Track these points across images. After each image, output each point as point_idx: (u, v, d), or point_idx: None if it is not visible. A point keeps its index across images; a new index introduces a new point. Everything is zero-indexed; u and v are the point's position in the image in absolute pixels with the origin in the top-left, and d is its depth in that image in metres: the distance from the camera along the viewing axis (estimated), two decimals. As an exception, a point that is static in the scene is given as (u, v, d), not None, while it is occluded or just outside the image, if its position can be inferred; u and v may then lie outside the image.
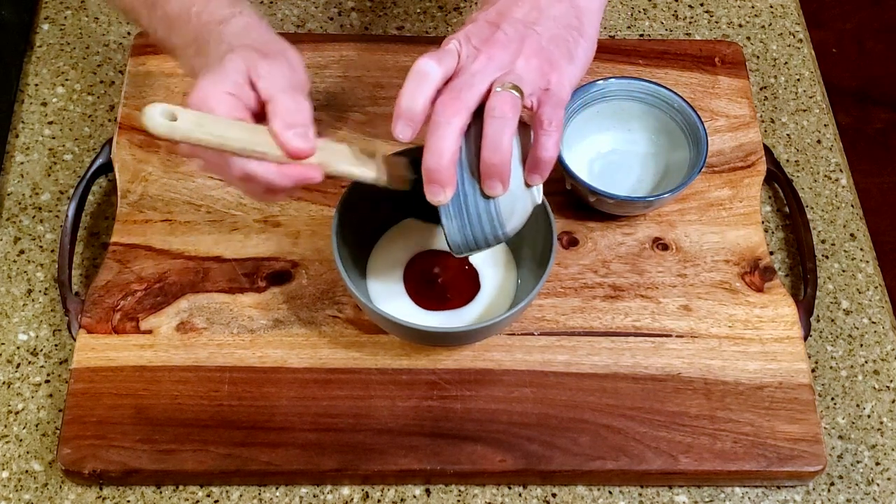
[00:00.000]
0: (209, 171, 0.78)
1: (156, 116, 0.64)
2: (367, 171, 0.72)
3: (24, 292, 0.85)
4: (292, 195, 0.74)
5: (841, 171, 0.95)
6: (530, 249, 0.81)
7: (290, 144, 0.67)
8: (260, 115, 0.69)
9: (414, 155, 0.73)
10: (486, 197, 0.70)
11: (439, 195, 0.69)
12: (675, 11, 1.04)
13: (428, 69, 0.68)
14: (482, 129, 0.68)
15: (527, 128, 0.71)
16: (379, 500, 0.77)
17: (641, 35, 1.02)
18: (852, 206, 0.93)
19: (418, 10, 1.03)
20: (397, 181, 0.74)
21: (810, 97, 0.99)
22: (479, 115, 0.69)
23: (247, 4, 0.75)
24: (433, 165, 0.68)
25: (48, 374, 0.82)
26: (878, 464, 0.81)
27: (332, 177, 0.71)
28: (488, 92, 0.69)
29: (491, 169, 0.68)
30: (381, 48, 0.96)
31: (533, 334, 0.82)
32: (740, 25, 1.04)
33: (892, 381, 0.84)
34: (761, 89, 0.99)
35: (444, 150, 0.67)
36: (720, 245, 0.87)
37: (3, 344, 0.83)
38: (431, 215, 0.74)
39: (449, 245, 0.72)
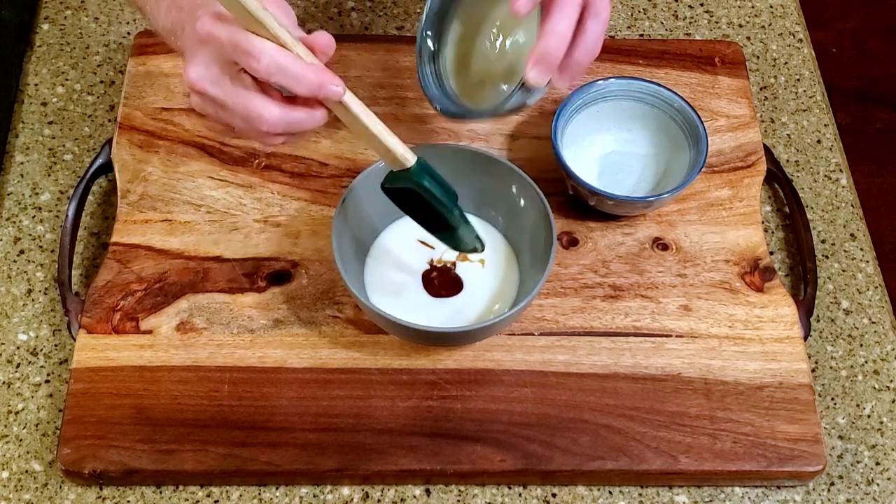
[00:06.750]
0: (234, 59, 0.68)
1: None
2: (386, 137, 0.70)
3: (24, 292, 0.85)
4: (286, 141, 0.70)
5: (841, 171, 0.95)
6: (530, 249, 0.81)
7: (326, 48, 0.64)
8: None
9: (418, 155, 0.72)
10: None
11: (544, 78, 0.64)
12: (675, 11, 1.04)
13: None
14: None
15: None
16: (379, 500, 0.77)
17: (641, 35, 1.02)
18: (852, 206, 0.93)
19: (418, 10, 1.03)
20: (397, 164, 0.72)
21: (810, 97, 0.99)
22: None
23: None
24: (553, 48, 0.63)
25: (48, 374, 0.82)
26: (878, 464, 0.81)
27: (341, 119, 0.69)
28: None
29: (574, 66, 0.65)
30: (381, 48, 0.96)
31: (533, 334, 0.82)
32: (740, 25, 1.04)
33: (892, 381, 0.84)
34: (761, 89, 0.99)
35: (566, 33, 0.62)
36: (720, 245, 0.87)
37: (3, 344, 0.83)
38: (428, 224, 0.76)
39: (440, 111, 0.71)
